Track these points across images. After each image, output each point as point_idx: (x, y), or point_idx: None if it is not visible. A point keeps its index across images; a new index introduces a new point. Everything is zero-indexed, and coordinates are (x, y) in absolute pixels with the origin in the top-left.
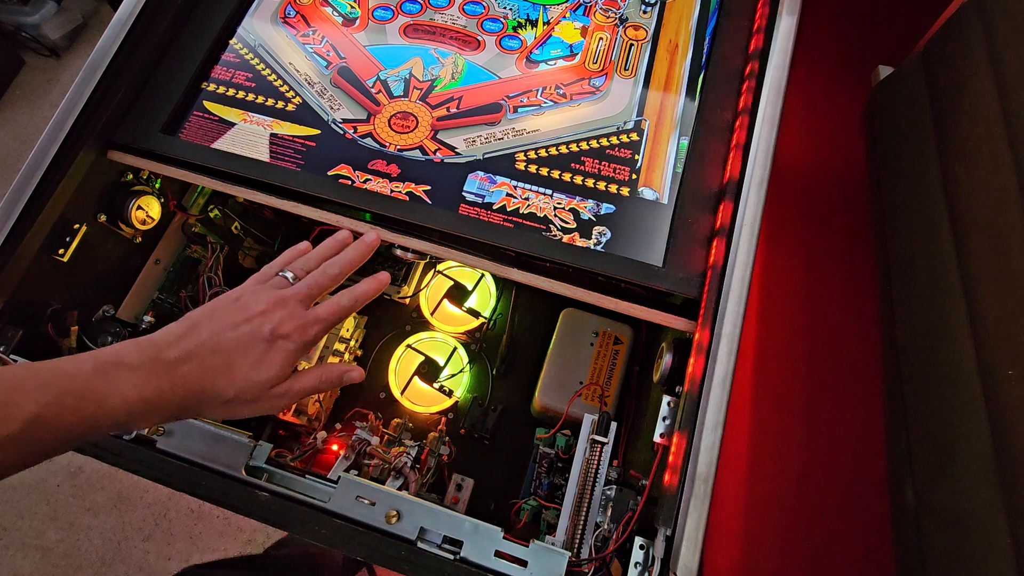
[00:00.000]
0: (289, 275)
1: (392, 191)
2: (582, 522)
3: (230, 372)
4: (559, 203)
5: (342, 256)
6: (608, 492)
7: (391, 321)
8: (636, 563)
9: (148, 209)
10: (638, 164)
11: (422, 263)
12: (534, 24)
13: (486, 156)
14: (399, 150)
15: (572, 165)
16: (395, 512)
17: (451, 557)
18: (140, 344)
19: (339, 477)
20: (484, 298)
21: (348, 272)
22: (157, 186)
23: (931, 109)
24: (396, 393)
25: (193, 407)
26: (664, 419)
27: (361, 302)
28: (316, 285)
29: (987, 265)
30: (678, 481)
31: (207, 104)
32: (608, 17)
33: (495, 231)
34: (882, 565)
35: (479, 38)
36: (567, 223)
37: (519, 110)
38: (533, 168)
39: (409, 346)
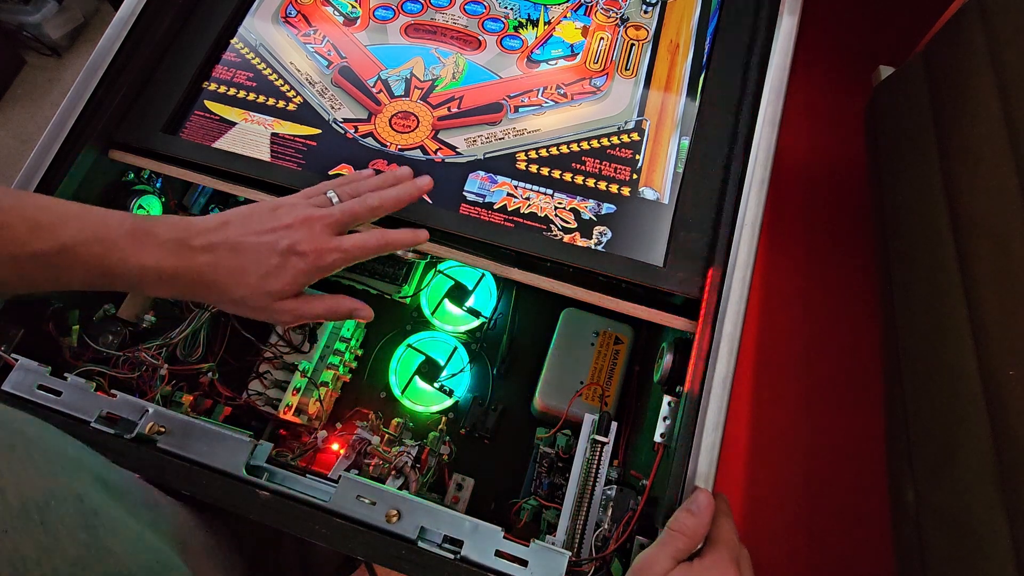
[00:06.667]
0: (335, 198)
1: None
2: (582, 522)
3: (241, 275)
4: (560, 203)
5: (388, 191)
6: (608, 492)
7: (391, 321)
8: None
9: (149, 208)
10: (639, 164)
11: (423, 263)
12: (535, 24)
13: (487, 156)
14: (400, 150)
15: (573, 165)
16: (395, 511)
17: (451, 556)
18: (176, 224)
19: (339, 476)
20: (484, 298)
21: (388, 208)
22: (158, 185)
23: (932, 109)
24: (396, 393)
25: (201, 294)
26: (664, 419)
27: (390, 248)
28: (350, 212)
29: (988, 265)
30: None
31: (208, 103)
32: (609, 17)
33: (496, 231)
34: (882, 565)
35: (480, 38)
36: (568, 223)
37: (520, 110)
38: (534, 168)
39: (409, 346)
